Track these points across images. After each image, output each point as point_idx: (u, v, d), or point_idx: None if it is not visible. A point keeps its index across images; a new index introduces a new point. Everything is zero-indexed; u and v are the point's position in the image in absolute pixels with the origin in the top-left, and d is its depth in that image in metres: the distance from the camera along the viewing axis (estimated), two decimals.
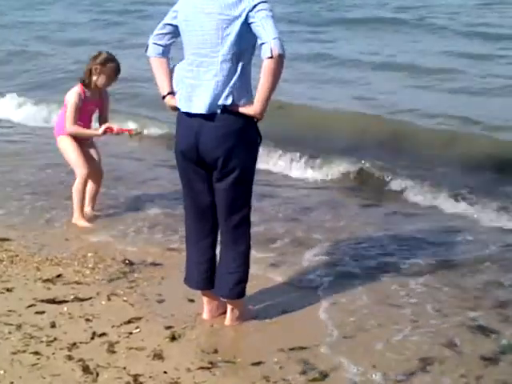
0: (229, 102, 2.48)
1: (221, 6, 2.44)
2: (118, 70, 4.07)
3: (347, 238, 4.03)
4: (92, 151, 4.29)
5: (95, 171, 4.26)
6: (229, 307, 2.82)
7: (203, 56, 2.51)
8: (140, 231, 4.15)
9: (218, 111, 2.50)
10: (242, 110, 2.49)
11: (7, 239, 3.89)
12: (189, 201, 2.77)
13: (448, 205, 4.54)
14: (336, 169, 5.27)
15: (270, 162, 5.43)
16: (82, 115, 4.08)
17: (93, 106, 4.14)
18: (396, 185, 4.93)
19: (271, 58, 2.35)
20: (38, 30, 14.21)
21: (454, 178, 5.17)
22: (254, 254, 3.61)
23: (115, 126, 4.10)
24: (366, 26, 13.28)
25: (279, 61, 2.37)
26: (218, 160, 2.56)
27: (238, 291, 2.77)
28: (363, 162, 5.24)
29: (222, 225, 2.73)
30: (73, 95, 4.03)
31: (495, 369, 2.57)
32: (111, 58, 4.05)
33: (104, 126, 4.03)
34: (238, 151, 2.56)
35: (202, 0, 2.50)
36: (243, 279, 2.77)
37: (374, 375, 2.45)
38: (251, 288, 3.14)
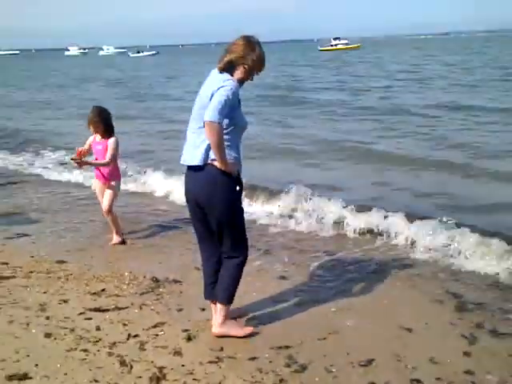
0: (203, 159, 2.78)
1: (205, 87, 2.86)
2: (89, 121, 4.62)
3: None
4: (106, 192, 4.76)
5: (104, 208, 4.78)
6: (217, 312, 3.05)
7: (192, 122, 2.92)
8: (167, 255, 4.51)
9: (196, 165, 2.80)
10: (214, 163, 2.79)
11: (64, 261, 4.29)
12: (195, 230, 3.09)
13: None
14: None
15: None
16: (95, 154, 4.74)
17: (99, 147, 4.69)
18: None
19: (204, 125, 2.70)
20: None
21: None
22: (264, 265, 4.08)
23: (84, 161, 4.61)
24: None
25: (207, 126, 2.67)
26: (202, 202, 2.88)
27: (226, 295, 2.99)
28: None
29: (220, 247, 3.01)
30: None
31: None
32: (90, 111, 4.67)
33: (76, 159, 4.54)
34: (216, 196, 2.83)
35: (204, 85, 2.92)
36: (233, 286, 2.99)
37: None
38: (260, 295, 3.50)
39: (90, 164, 4.77)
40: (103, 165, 4.68)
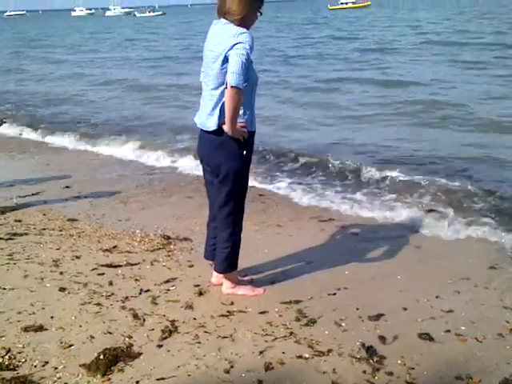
0: (217, 124, 2.67)
1: (213, 44, 2.64)
2: None
3: None
4: None
5: None
6: (222, 278, 3.07)
7: (204, 83, 2.76)
8: (175, 214, 4.49)
9: (209, 128, 2.70)
10: (223, 127, 2.67)
11: (76, 219, 4.34)
12: (206, 189, 3.04)
13: None
14: None
15: None
16: None
17: None
18: None
19: (226, 88, 2.53)
20: None
21: None
22: (274, 222, 4.05)
23: None
24: None
25: (231, 91, 2.50)
26: (209, 163, 2.83)
27: (223, 267, 2.98)
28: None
29: (216, 213, 2.95)
30: None
31: None
32: None
33: None
34: (221, 158, 2.75)
35: (210, 36, 2.72)
36: (229, 258, 2.94)
37: None
38: (271, 252, 3.49)
39: None
40: None
